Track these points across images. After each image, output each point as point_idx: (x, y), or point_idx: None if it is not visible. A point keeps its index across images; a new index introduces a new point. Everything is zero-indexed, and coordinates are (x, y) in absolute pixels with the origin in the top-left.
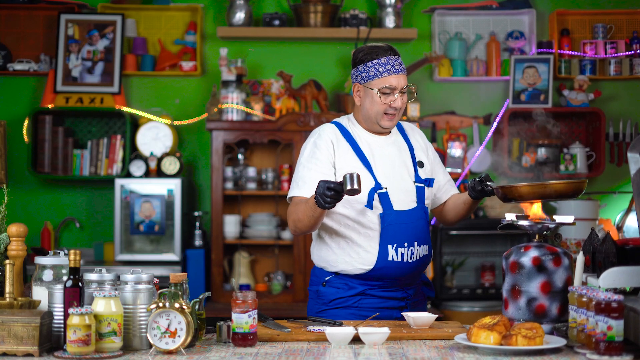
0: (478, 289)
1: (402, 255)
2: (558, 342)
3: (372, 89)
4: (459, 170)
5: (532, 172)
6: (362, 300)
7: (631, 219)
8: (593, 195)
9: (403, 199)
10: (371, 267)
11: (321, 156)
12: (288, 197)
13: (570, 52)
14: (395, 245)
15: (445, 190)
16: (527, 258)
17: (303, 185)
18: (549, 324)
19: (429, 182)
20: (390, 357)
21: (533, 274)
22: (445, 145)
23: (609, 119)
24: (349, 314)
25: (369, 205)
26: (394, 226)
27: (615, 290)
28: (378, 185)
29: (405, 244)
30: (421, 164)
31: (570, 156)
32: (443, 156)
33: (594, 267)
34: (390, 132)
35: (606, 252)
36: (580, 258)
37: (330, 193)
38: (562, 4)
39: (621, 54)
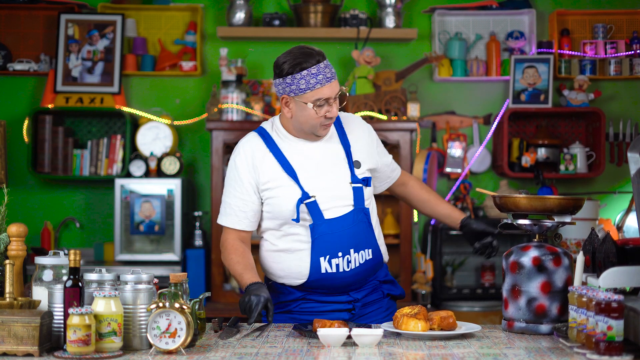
0: (478, 289)
1: (337, 265)
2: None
3: (306, 103)
4: (459, 170)
5: (532, 172)
6: (303, 305)
7: (631, 219)
8: (593, 195)
9: (336, 205)
10: (304, 280)
11: (242, 180)
12: (217, 221)
13: (570, 52)
14: (328, 257)
15: (393, 171)
16: (527, 258)
17: (225, 213)
18: (549, 324)
19: (367, 182)
20: (391, 357)
21: (533, 274)
22: (445, 145)
23: (609, 119)
24: (288, 319)
25: (297, 218)
26: (326, 236)
27: (615, 290)
28: (305, 195)
29: (340, 254)
30: (357, 164)
31: (570, 156)
32: (443, 156)
33: (594, 267)
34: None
35: (606, 252)
36: (580, 258)
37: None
38: (562, 4)
39: (621, 54)
